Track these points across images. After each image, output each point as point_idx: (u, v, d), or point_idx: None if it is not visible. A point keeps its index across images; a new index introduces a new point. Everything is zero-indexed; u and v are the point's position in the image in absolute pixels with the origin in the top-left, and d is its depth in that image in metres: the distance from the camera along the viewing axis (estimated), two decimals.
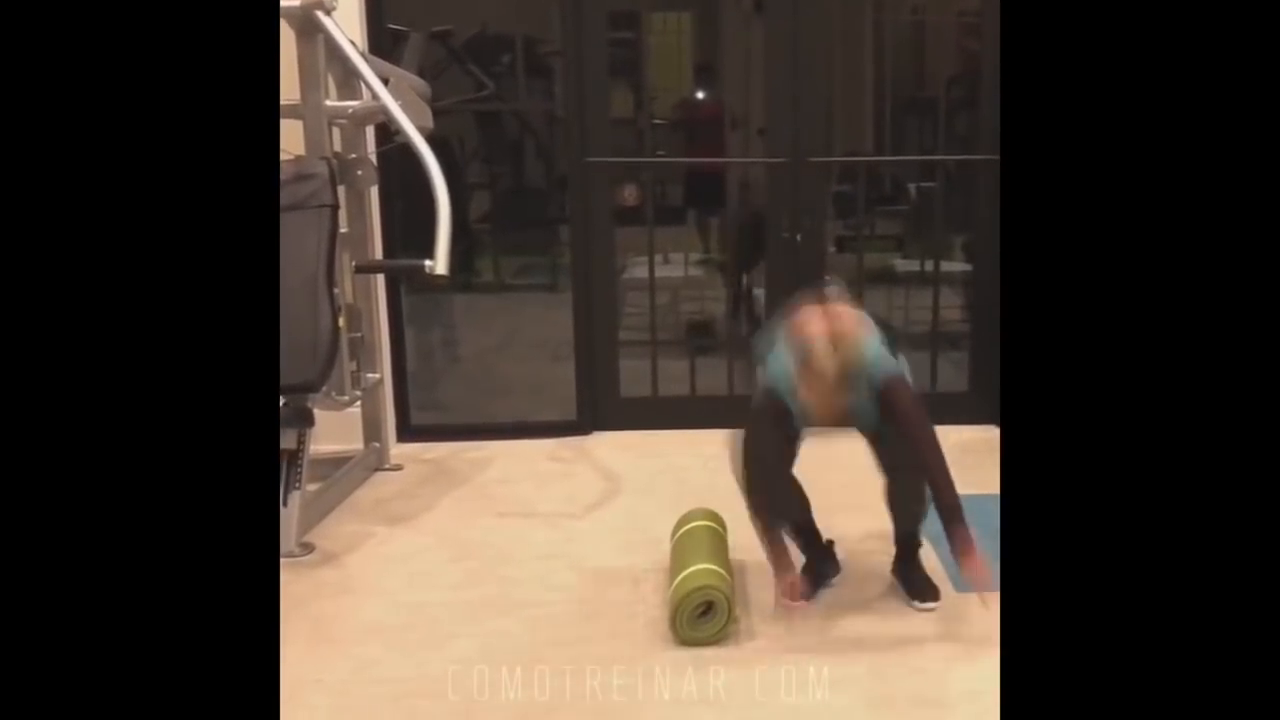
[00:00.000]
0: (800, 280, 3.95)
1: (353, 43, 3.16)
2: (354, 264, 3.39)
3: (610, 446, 3.84)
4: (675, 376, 4.08)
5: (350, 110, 3.30)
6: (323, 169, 3.06)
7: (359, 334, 3.40)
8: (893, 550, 2.64)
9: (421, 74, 3.69)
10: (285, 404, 2.95)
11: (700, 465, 3.47)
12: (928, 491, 2.42)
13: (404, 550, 2.95)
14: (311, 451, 3.08)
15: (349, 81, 3.30)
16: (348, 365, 3.27)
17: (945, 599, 2.56)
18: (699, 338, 4.89)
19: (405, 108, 3.09)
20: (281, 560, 2.81)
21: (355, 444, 3.60)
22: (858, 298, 2.32)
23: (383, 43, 3.72)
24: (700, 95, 5.87)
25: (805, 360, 2.33)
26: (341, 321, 3.08)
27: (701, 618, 2.34)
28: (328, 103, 3.20)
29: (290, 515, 2.91)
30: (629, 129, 4.60)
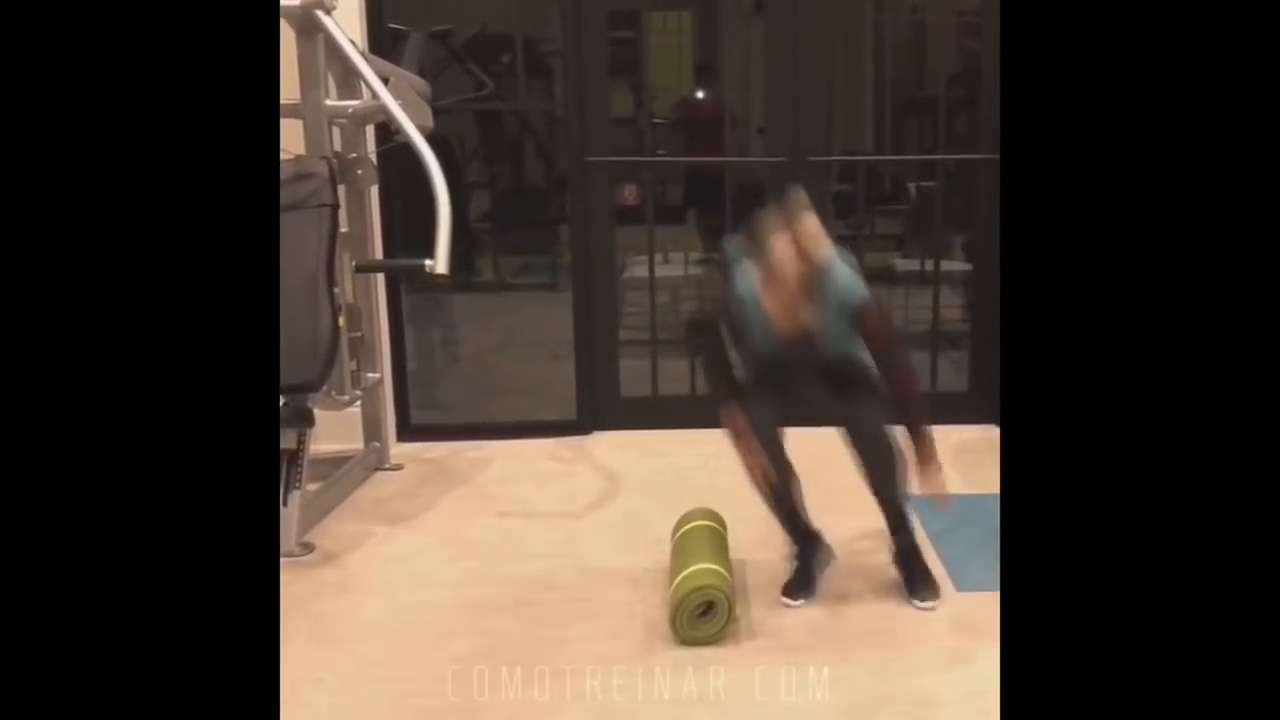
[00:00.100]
0: None
1: (353, 42, 3.16)
2: (354, 263, 3.39)
3: (610, 446, 3.84)
4: (675, 376, 4.07)
5: (350, 110, 3.30)
6: (323, 168, 3.06)
7: (359, 333, 3.40)
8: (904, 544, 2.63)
9: (421, 73, 3.69)
10: (285, 404, 2.95)
11: (700, 465, 3.47)
12: (896, 452, 2.45)
13: (404, 550, 2.95)
14: (311, 451, 3.08)
15: (349, 81, 3.30)
16: (348, 365, 3.27)
17: (946, 599, 2.56)
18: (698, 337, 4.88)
19: (405, 107, 3.09)
20: (282, 560, 2.81)
21: (355, 443, 3.60)
22: (822, 210, 2.27)
23: (383, 42, 3.72)
24: (700, 95, 5.87)
25: (769, 266, 2.28)
26: (341, 321, 3.07)
27: (702, 617, 2.34)
28: (328, 102, 3.20)
29: (290, 515, 2.91)
30: (629, 128, 4.61)
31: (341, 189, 3.23)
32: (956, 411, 3.99)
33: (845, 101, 5.31)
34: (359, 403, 3.49)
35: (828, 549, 2.67)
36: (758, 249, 2.32)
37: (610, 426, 4.01)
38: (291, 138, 3.09)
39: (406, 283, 3.96)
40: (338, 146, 3.35)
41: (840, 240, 4.65)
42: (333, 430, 3.53)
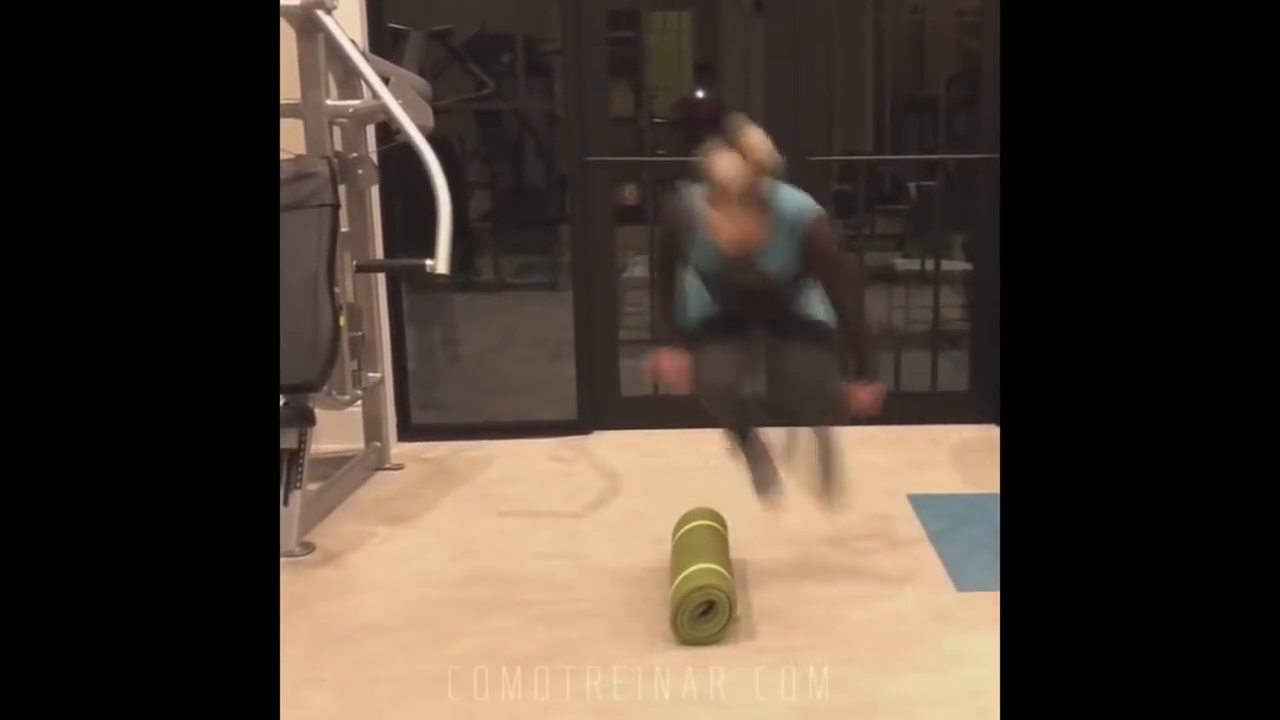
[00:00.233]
0: None
1: (353, 42, 3.16)
2: (355, 263, 3.39)
3: (611, 446, 3.85)
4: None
5: (351, 109, 3.30)
6: (323, 168, 3.06)
7: (360, 333, 3.40)
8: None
9: (422, 73, 3.69)
10: (286, 403, 2.96)
11: (701, 465, 3.47)
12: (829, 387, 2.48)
13: (405, 549, 2.95)
14: (312, 451, 3.08)
15: (349, 80, 3.30)
16: (348, 364, 3.27)
17: (946, 599, 2.56)
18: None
19: (406, 107, 3.09)
20: (282, 559, 2.81)
21: (356, 443, 3.60)
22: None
23: (383, 42, 3.72)
24: (700, 94, 5.86)
25: (712, 177, 2.24)
26: (342, 321, 3.08)
27: (702, 617, 2.34)
28: (328, 102, 3.20)
29: (291, 514, 2.91)
30: (629, 128, 4.60)
31: (342, 189, 3.23)
32: (956, 411, 4.00)
33: (845, 101, 5.30)
34: (359, 402, 3.49)
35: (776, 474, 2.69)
36: (705, 163, 2.27)
37: (611, 426, 4.01)
38: (292, 137, 3.09)
39: (407, 282, 3.97)
40: (338, 146, 3.35)
41: (840, 240, 4.70)
42: (333, 430, 3.53)
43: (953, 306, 4.39)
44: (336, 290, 3.04)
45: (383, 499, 3.37)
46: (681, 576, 2.39)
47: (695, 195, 2.34)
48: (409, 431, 3.97)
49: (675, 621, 2.34)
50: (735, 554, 2.63)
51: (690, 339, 2.55)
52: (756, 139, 2.25)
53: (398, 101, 3.06)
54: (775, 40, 3.90)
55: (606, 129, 3.92)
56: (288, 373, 2.71)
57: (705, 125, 5.74)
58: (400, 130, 3.04)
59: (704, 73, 6.00)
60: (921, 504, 3.15)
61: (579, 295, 3.99)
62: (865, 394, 2.49)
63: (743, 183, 2.22)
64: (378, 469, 3.63)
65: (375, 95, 3.09)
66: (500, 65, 4.42)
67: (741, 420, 2.61)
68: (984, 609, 2.46)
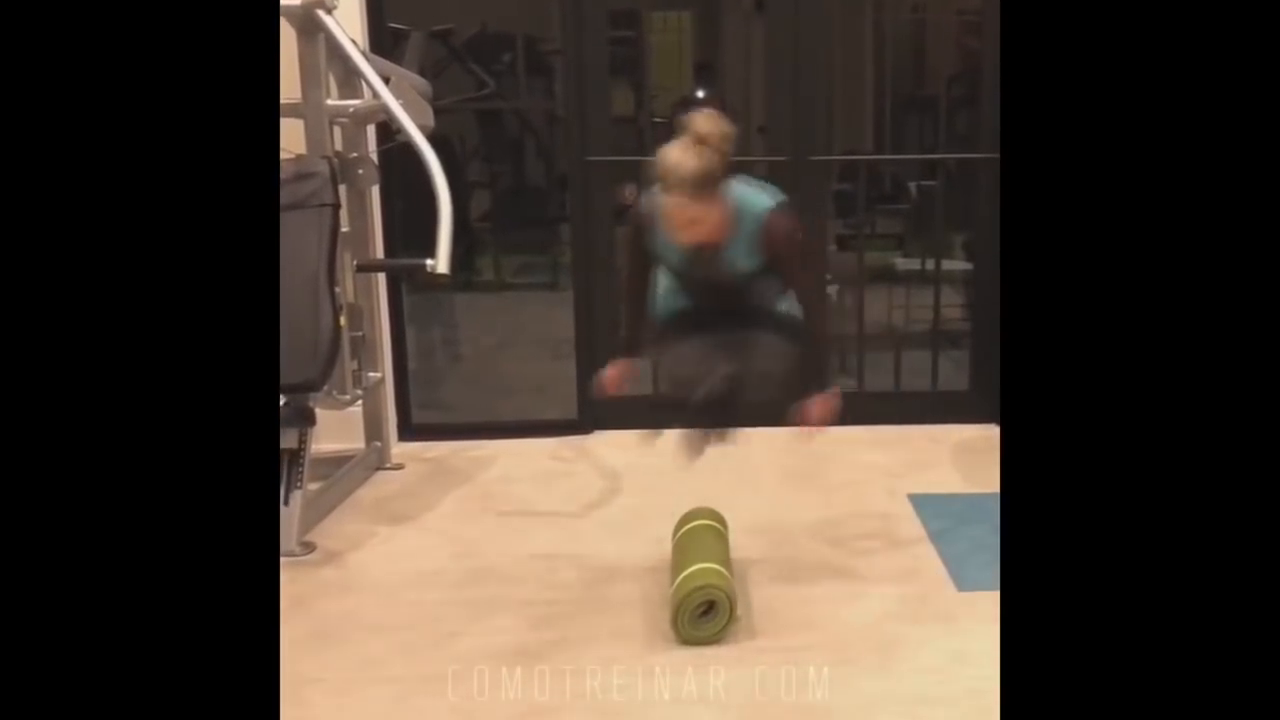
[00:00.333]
0: None
1: (354, 41, 3.16)
2: (355, 263, 3.39)
3: (611, 445, 3.84)
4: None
5: (351, 109, 3.30)
6: (324, 168, 3.06)
7: (360, 333, 3.40)
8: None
9: (422, 73, 3.69)
10: (286, 403, 2.96)
11: (701, 464, 3.46)
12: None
13: (405, 549, 2.96)
14: (313, 450, 3.09)
15: (350, 80, 3.31)
16: (349, 364, 3.27)
17: (946, 598, 2.56)
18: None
19: (406, 106, 3.09)
20: (282, 559, 2.81)
21: (356, 443, 3.60)
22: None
23: (383, 41, 3.72)
24: (701, 94, 5.87)
25: (662, 169, 2.20)
26: (343, 320, 3.08)
27: (703, 617, 2.34)
28: (329, 101, 3.20)
29: (291, 514, 2.91)
30: (629, 128, 4.60)
31: (342, 188, 3.24)
32: (957, 411, 4.00)
33: (845, 100, 5.31)
34: (360, 402, 3.49)
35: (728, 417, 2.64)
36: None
37: (611, 426, 4.01)
38: (292, 137, 3.10)
39: (407, 282, 3.97)
40: (339, 146, 3.35)
41: (841, 239, 4.71)
42: (334, 430, 3.53)
43: (953, 306, 4.39)
44: (337, 290, 3.04)
45: (383, 499, 3.37)
46: (682, 576, 2.39)
47: (656, 194, 2.32)
48: (409, 431, 3.97)
49: (676, 621, 2.34)
50: (735, 554, 2.63)
51: (659, 333, 2.53)
52: (704, 124, 2.21)
53: (398, 101, 3.06)
54: (775, 40, 3.90)
55: (607, 129, 3.92)
56: (288, 372, 2.71)
57: None
58: (401, 130, 3.04)
59: (704, 72, 6.00)
60: (922, 503, 3.15)
61: (579, 295, 3.99)
62: (818, 408, 2.43)
63: (693, 171, 2.18)
64: (378, 469, 3.63)
65: (376, 95, 3.09)
66: (500, 65, 4.43)
67: (704, 413, 2.57)
68: (984, 609, 2.46)
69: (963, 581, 2.64)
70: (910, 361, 4.20)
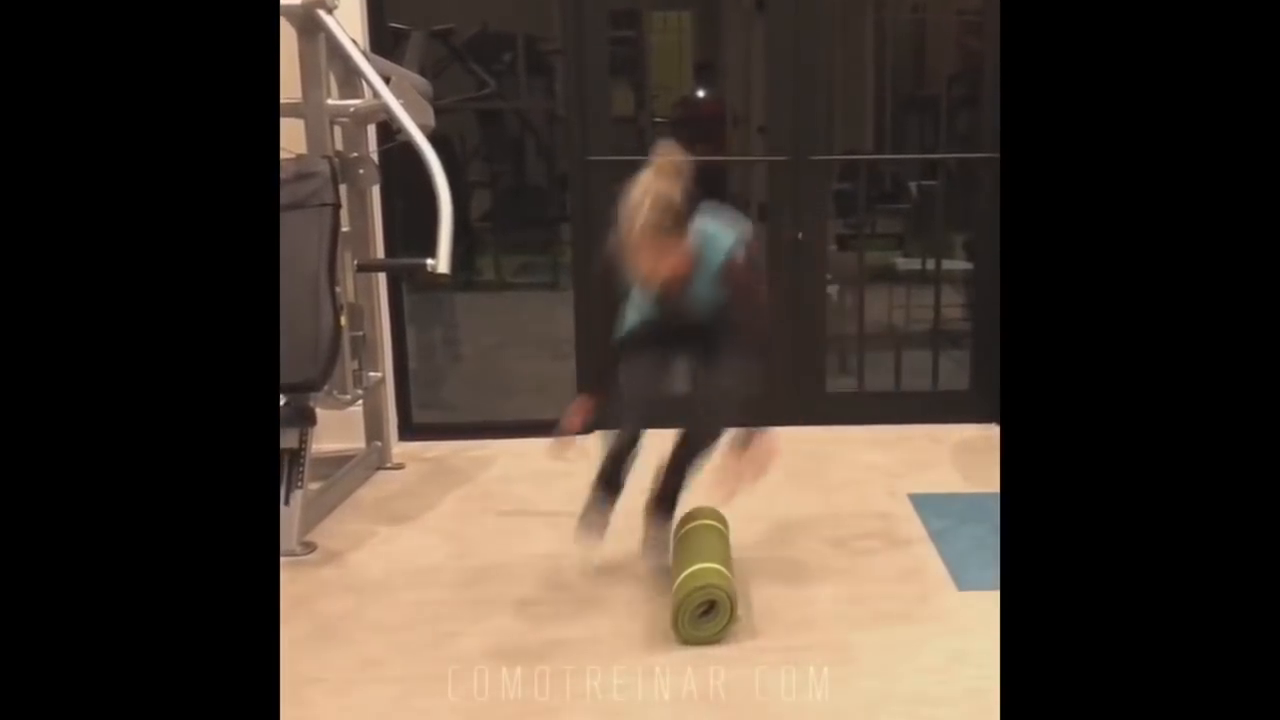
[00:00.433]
0: (800, 279, 3.96)
1: (354, 41, 3.16)
2: (355, 263, 3.39)
3: None
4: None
5: (352, 109, 3.30)
6: (324, 167, 3.06)
7: (360, 333, 3.40)
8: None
9: (423, 72, 3.69)
10: (287, 403, 2.96)
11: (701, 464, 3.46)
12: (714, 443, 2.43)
13: (405, 549, 2.96)
14: (313, 450, 3.09)
15: (350, 80, 3.31)
16: (349, 364, 3.27)
17: (946, 598, 2.56)
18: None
19: (407, 106, 3.09)
20: (283, 559, 2.81)
21: (357, 443, 3.61)
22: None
23: (384, 41, 3.72)
24: (701, 93, 5.86)
25: (627, 207, 2.20)
26: (343, 320, 3.08)
27: (704, 617, 2.34)
28: (329, 101, 3.20)
29: (292, 514, 2.91)
30: (630, 127, 4.60)
31: (343, 188, 3.24)
32: (957, 410, 4.00)
33: (846, 100, 5.30)
34: (360, 402, 3.49)
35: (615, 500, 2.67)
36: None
37: (612, 426, 4.00)
38: (293, 137, 3.10)
39: (408, 282, 3.97)
40: (339, 145, 3.35)
41: (841, 239, 4.71)
42: (334, 429, 3.53)
43: (953, 306, 4.39)
44: (337, 290, 3.04)
45: (383, 498, 3.37)
46: (683, 575, 2.39)
47: (622, 233, 2.34)
48: (410, 431, 3.97)
49: (676, 621, 2.34)
50: (736, 554, 2.63)
51: (620, 348, 2.56)
52: (667, 164, 2.23)
53: (399, 101, 3.06)
54: (776, 40, 3.90)
55: (607, 128, 3.93)
56: (289, 372, 2.71)
57: (706, 125, 5.77)
58: (401, 130, 3.04)
59: (704, 72, 5.99)
60: (922, 503, 3.15)
61: (580, 294, 3.99)
62: (747, 465, 2.40)
63: (653, 211, 2.19)
64: (379, 468, 3.63)
65: (376, 95, 3.09)
66: (501, 64, 4.43)
67: (627, 443, 2.59)
68: (984, 609, 2.46)
69: (963, 581, 2.64)
70: (910, 361, 4.21)
